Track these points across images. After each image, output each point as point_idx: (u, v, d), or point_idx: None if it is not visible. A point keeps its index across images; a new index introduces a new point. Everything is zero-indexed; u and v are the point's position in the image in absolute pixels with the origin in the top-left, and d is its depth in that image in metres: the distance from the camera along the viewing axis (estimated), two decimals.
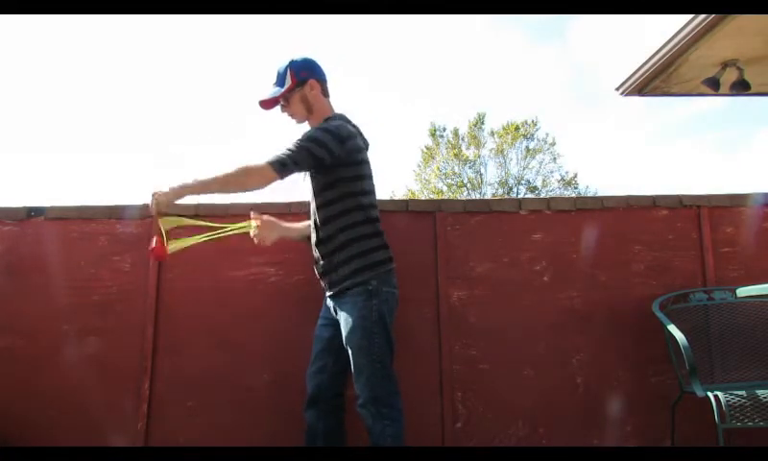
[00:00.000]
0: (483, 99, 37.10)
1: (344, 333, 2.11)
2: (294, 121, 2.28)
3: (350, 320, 2.08)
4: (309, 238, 2.27)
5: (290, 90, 2.21)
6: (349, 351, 2.10)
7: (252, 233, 2.14)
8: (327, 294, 2.23)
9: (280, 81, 2.23)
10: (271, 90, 2.25)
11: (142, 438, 2.51)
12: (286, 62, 2.24)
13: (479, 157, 22.41)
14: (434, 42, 34.98)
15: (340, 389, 2.25)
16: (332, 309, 2.21)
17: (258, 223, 2.13)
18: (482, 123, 22.56)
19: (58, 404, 2.53)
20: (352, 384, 2.14)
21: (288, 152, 2.03)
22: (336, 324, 2.20)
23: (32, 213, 2.69)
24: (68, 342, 2.58)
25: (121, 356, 2.58)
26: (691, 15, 3.42)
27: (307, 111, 2.25)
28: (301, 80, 2.22)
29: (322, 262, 2.19)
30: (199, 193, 2.02)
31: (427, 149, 22.93)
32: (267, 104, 2.25)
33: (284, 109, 2.26)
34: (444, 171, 22.49)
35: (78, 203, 2.71)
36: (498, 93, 35.15)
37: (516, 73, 33.59)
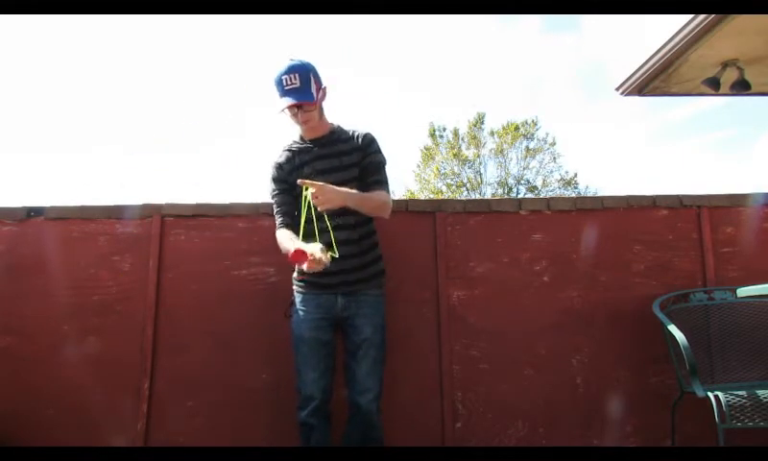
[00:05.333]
0: (485, 98, 37.12)
1: (368, 330, 2.18)
2: (303, 125, 2.22)
3: (376, 318, 2.23)
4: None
5: (320, 99, 2.22)
6: (370, 348, 2.18)
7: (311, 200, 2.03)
8: (340, 290, 2.19)
9: (306, 87, 2.14)
10: (300, 93, 2.12)
11: (142, 438, 2.51)
12: (306, 67, 2.16)
13: (479, 156, 22.41)
14: (436, 39, 35.00)
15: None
16: (340, 307, 2.19)
17: (313, 190, 2.03)
18: (482, 123, 22.56)
19: (58, 404, 2.53)
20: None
21: (384, 175, 2.27)
22: (335, 323, 2.21)
23: (32, 213, 2.69)
24: (68, 342, 2.58)
25: (121, 356, 2.58)
26: (691, 15, 3.41)
27: (319, 118, 2.25)
28: (322, 88, 2.23)
29: (350, 259, 2.18)
30: (353, 205, 2.13)
31: (427, 149, 22.92)
32: (299, 105, 2.15)
33: (303, 114, 2.17)
34: (443, 171, 22.48)
35: (78, 203, 2.71)
36: (502, 91, 35.14)
37: (523, 68, 33.59)
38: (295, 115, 2.19)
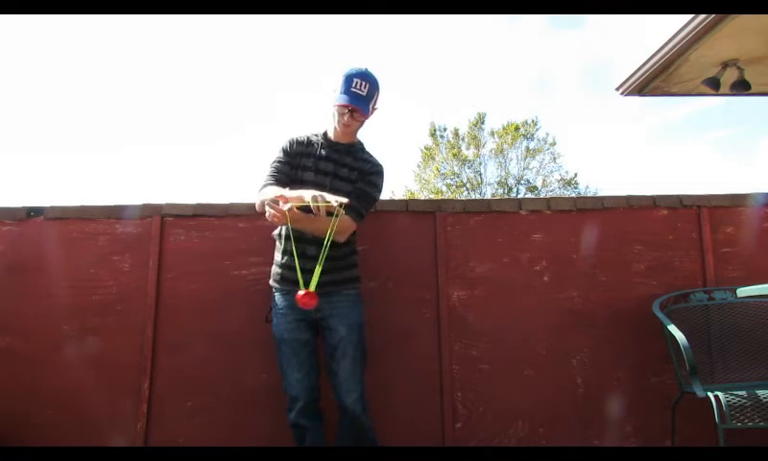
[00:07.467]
0: (486, 97, 36.96)
1: (342, 330, 2.19)
2: (344, 128, 2.25)
3: (352, 316, 2.22)
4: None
5: (369, 116, 2.28)
6: (347, 348, 2.19)
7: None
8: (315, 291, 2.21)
9: (369, 100, 2.22)
10: (361, 101, 2.19)
11: (142, 438, 2.51)
12: (376, 85, 2.23)
13: (479, 156, 22.41)
14: (437, 38, 34.99)
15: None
16: (314, 309, 2.18)
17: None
18: (482, 123, 22.56)
19: (58, 404, 2.53)
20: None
21: (365, 207, 2.23)
22: (312, 324, 2.23)
23: (32, 213, 2.69)
24: (68, 342, 2.58)
25: (121, 356, 2.58)
26: (691, 15, 3.42)
27: (357, 130, 2.31)
28: (375, 108, 2.30)
29: (327, 261, 2.17)
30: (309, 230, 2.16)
31: (427, 149, 22.93)
32: (355, 110, 2.20)
33: (350, 119, 2.22)
34: (443, 171, 22.48)
35: (78, 203, 2.71)
36: (504, 91, 35.10)
37: (526, 68, 33.59)
38: (342, 115, 2.22)
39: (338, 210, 1.95)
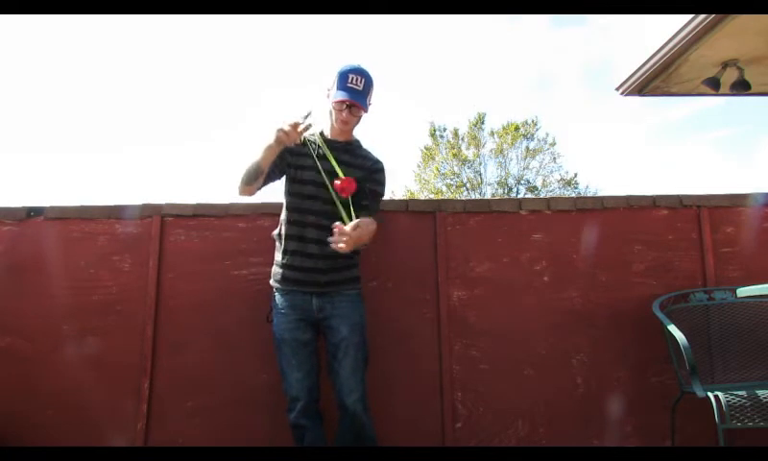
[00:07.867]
0: (488, 97, 36.93)
1: (344, 330, 2.20)
2: (342, 124, 2.27)
3: (354, 317, 2.23)
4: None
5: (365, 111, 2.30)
6: (349, 348, 2.20)
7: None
8: (312, 290, 2.22)
9: (366, 94, 2.25)
10: (359, 96, 2.23)
11: (142, 438, 2.51)
12: (370, 80, 2.26)
13: (478, 156, 22.40)
14: (437, 38, 34.98)
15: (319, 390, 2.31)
16: (315, 309, 2.22)
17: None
18: (482, 123, 22.55)
19: (58, 404, 2.53)
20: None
21: (376, 206, 2.32)
22: (314, 324, 2.24)
23: (32, 213, 2.69)
24: (68, 342, 2.58)
25: (121, 356, 2.58)
26: (691, 15, 3.42)
27: (354, 126, 2.33)
28: (370, 104, 2.31)
29: (328, 260, 2.21)
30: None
31: (427, 149, 22.92)
32: (354, 105, 2.23)
33: (349, 115, 2.25)
34: (443, 171, 22.47)
35: (78, 203, 2.71)
36: (505, 91, 35.08)
37: (527, 67, 33.59)
38: (341, 111, 2.24)
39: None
